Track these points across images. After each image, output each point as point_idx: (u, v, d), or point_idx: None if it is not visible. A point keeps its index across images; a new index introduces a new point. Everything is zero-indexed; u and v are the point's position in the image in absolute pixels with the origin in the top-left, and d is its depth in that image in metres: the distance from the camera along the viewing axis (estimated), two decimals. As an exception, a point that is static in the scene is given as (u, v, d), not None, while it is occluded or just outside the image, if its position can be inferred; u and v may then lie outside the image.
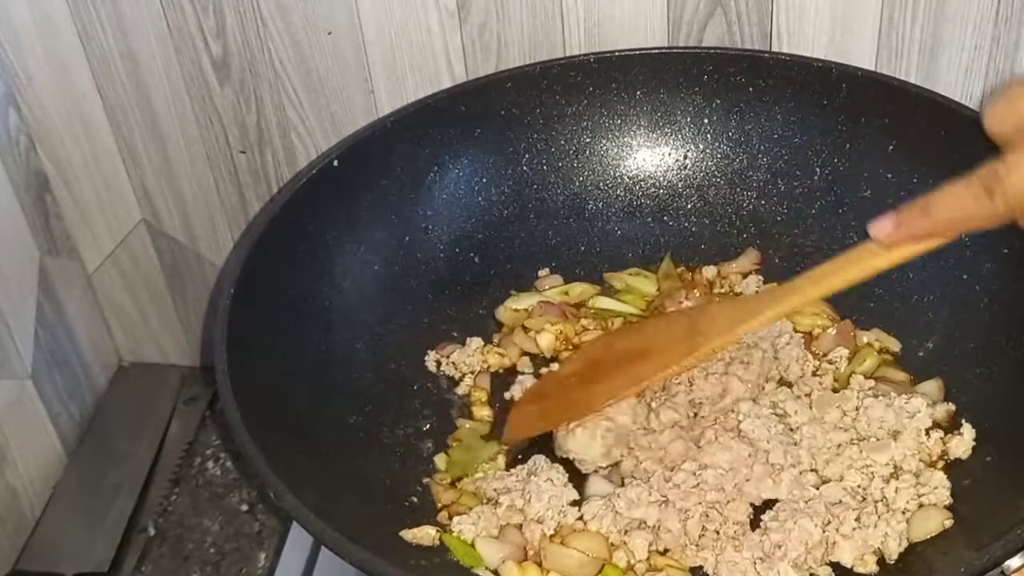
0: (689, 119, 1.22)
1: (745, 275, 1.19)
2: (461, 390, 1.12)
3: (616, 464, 1.02)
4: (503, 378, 1.13)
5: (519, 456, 1.04)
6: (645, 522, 0.96)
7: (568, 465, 1.02)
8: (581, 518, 0.98)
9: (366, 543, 0.84)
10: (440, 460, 1.05)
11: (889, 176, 1.14)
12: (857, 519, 0.93)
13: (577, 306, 1.19)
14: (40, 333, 1.37)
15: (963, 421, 1.00)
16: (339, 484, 0.98)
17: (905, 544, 0.93)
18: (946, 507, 0.95)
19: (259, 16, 1.25)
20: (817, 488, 0.97)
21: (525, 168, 1.22)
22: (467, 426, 1.08)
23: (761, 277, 1.18)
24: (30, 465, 1.35)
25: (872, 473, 0.98)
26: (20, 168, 1.34)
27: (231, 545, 1.33)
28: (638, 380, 1.03)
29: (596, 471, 1.02)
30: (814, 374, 1.08)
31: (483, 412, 1.09)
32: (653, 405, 1.04)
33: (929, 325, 1.09)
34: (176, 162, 1.37)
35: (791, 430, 1.02)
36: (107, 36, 1.28)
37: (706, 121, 1.22)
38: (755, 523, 0.96)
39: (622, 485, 0.99)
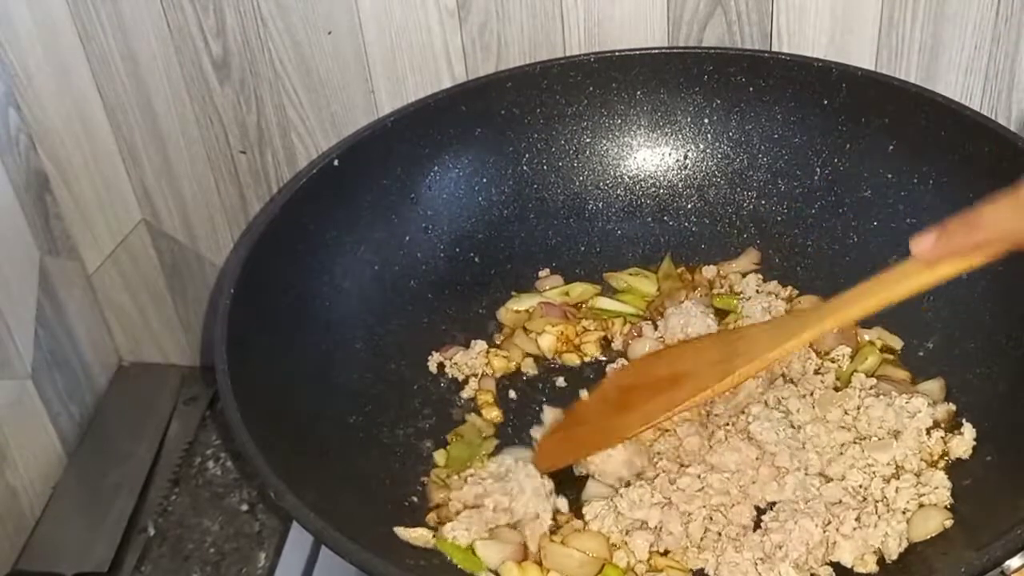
0: (689, 119, 1.22)
1: (745, 275, 1.19)
2: (467, 393, 1.12)
3: (638, 475, 1.01)
4: (509, 380, 1.13)
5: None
6: (647, 523, 0.96)
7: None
8: (582, 517, 0.98)
9: (366, 543, 0.84)
10: (440, 456, 1.05)
11: (889, 176, 1.14)
12: (857, 519, 0.93)
13: (577, 306, 1.19)
14: (40, 333, 1.37)
15: (964, 421, 1.01)
16: (339, 484, 0.98)
17: (905, 544, 0.93)
18: (946, 507, 0.95)
19: (259, 16, 1.25)
20: (818, 488, 0.97)
21: (525, 168, 1.22)
22: (474, 423, 1.08)
23: (761, 276, 1.18)
24: (30, 465, 1.35)
25: (873, 472, 0.98)
26: (20, 168, 1.34)
27: (231, 545, 1.33)
28: (672, 405, 0.99)
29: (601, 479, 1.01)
30: (816, 372, 1.08)
31: (492, 413, 1.09)
32: None
33: (929, 325, 1.09)
34: (176, 162, 1.37)
35: (794, 428, 1.02)
36: (107, 36, 1.28)
37: (706, 121, 1.22)
38: (756, 524, 0.96)
39: (625, 486, 0.99)
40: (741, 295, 1.17)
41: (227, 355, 0.95)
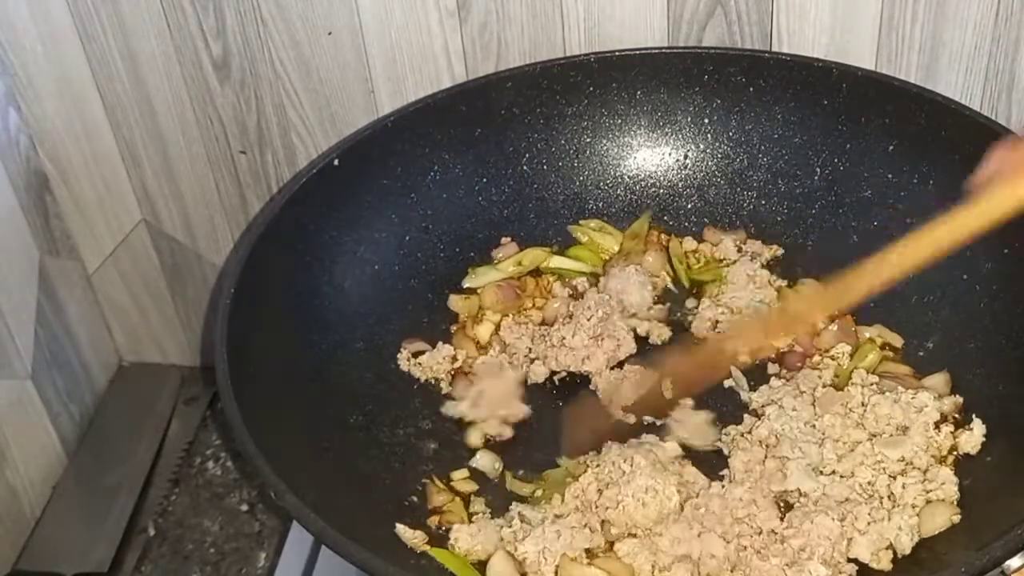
0: (689, 119, 1.22)
1: (716, 243, 1.21)
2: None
3: None
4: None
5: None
6: (689, 555, 0.93)
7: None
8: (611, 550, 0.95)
9: (366, 542, 0.84)
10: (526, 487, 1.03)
11: (889, 176, 1.14)
12: (868, 514, 0.93)
13: (536, 274, 1.19)
14: (40, 333, 1.37)
15: (973, 416, 1.00)
16: (339, 484, 0.98)
17: (917, 538, 0.92)
18: (954, 502, 0.95)
19: (259, 16, 1.25)
20: (826, 487, 0.97)
21: (525, 168, 1.22)
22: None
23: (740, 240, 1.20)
24: (30, 465, 1.35)
25: (883, 469, 0.97)
26: (20, 168, 1.34)
27: (231, 545, 1.33)
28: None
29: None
30: (814, 369, 1.08)
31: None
32: None
33: (929, 325, 1.09)
34: (176, 162, 1.37)
35: (805, 425, 1.02)
36: (107, 36, 1.28)
37: (706, 121, 1.22)
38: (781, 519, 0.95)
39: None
40: (724, 261, 1.18)
41: (227, 355, 0.95)
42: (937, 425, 1.00)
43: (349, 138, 1.16)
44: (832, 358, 1.09)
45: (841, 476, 0.98)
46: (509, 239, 1.21)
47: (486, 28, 1.23)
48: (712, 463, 1.01)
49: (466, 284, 1.19)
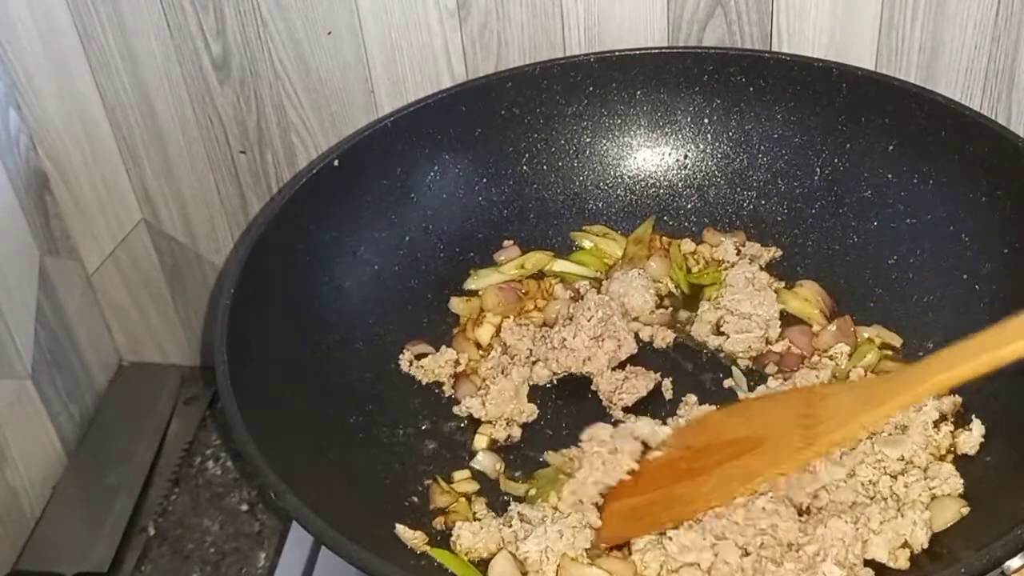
0: (689, 119, 1.22)
1: (716, 245, 1.20)
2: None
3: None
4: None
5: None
6: (699, 565, 0.92)
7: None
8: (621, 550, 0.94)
9: (366, 542, 0.84)
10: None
11: (889, 176, 1.14)
12: (879, 514, 0.92)
13: (538, 276, 1.19)
14: (40, 333, 1.37)
15: (972, 416, 1.00)
16: (339, 484, 0.98)
17: (930, 532, 0.92)
18: (960, 495, 0.94)
19: (259, 16, 1.25)
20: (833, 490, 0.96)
21: (525, 168, 1.22)
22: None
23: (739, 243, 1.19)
24: (30, 465, 1.35)
25: (884, 468, 0.97)
26: (20, 168, 1.34)
27: (231, 545, 1.33)
28: (751, 477, 0.90)
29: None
30: (811, 368, 1.08)
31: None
32: None
33: (929, 325, 1.09)
34: (176, 162, 1.37)
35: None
36: (107, 36, 1.28)
37: (706, 121, 1.22)
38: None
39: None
40: (723, 264, 1.18)
41: (227, 355, 0.95)
42: (936, 424, 1.00)
43: (349, 138, 1.16)
44: (830, 358, 1.09)
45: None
46: (511, 241, 1.21)
47: (486, 28, 1.23)
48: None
49: (468, 286, 1.19)
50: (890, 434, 1.00)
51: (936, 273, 1.09)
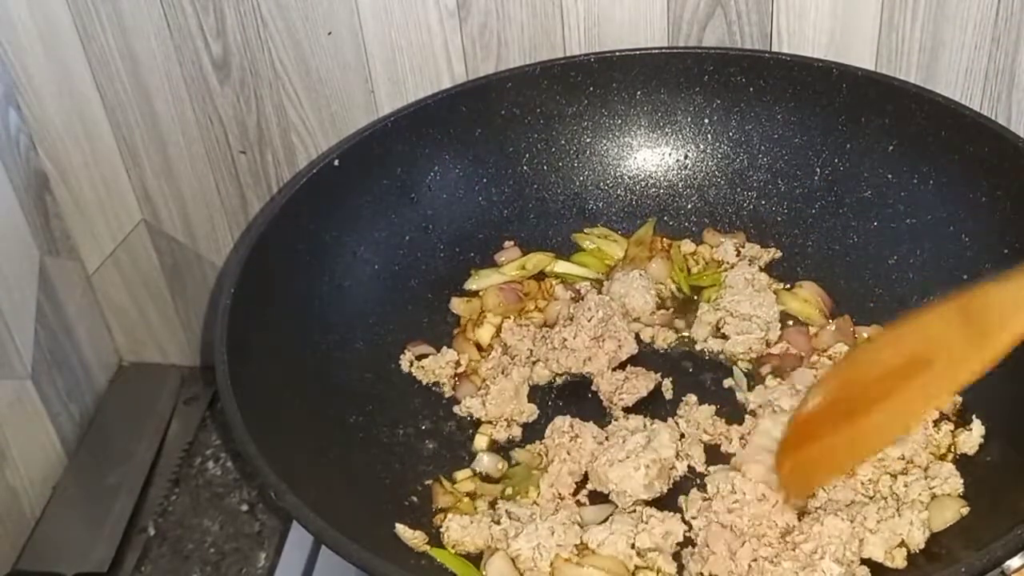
0: (689, 119, 1.22)
1: (716, 246, 1.20)
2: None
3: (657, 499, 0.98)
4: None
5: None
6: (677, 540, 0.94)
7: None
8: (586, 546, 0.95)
9: (366, 542, 0.84)
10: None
11: (889, 176, 1.14)
12: (876, 513, 0.93)
13: (539, 277, 1.19)
14: (40, 333, 1.37)
15: (973, 416, 1.00)
16: (339, 484, 0.98)
17: (928, 532, 0.92)
18: (960, 495, 0.94)
19: (259, 16, 1.25)
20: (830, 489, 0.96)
21: (525, 168, 1.22)
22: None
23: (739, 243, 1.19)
24: (30, 465, 1.35)
25: (884, 467, 0.97)
26: (20, 168, 1.34)
27: (231, 545, 1.33)
28: (930, 397, 0.84)
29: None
30: (809, 368, 1.08)
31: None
32: None
33: (929, 325, 1.09)
34: (176, 162, 1.37)
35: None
36: (107, 36, 1.28)
37: (706, 121, 1.22)
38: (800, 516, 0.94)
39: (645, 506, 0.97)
40: (723, 265, 1.18)
41: (227, 355, 0.95)
42: (936, 423, 1.00)
43: (349, 138, 1.16)
44: (829, 358, 1.09)
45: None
46: (512, 242, 1.21)
47: (486, 28, 1.23)
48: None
49: (468, 286, 1.19)
50: None
51: (936, 273, 1.09)
